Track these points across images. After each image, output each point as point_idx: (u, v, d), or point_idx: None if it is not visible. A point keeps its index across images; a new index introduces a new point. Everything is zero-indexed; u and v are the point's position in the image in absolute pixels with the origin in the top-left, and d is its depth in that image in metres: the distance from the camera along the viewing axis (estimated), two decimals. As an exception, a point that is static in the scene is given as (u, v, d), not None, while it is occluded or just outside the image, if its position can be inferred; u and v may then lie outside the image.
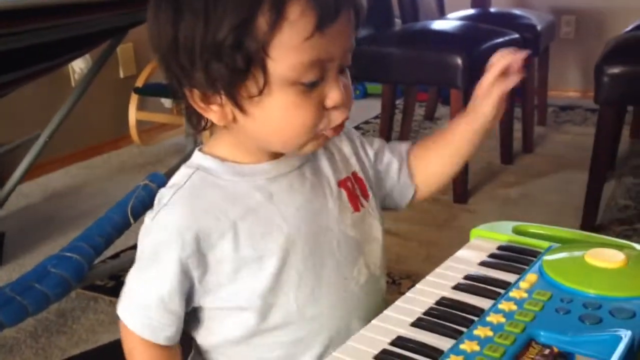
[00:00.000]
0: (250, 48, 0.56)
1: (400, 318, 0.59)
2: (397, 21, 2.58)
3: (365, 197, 0.72)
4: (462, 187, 2.04)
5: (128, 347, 0.69)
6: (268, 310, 0.66)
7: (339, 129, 0.64)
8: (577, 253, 0.64)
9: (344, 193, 0.71)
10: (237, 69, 0.57)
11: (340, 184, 0.71)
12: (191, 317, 0.70)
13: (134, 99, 2.81)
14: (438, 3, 2.82)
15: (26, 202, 2.29)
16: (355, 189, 0.72)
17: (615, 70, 1.67)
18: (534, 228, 0.75)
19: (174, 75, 0.62)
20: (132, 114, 2.82)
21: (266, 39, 0.56)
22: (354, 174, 0.73)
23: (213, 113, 0.62)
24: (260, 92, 0.59)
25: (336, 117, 0.63)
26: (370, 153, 0.77)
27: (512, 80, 0.76)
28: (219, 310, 0.68)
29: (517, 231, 0.75)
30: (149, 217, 0.66)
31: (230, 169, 0.66)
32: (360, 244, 0.71)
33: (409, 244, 1.78)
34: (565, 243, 0.70)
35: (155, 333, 0.66)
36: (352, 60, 0.63)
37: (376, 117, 2.90)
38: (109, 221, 1.43)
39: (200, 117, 0.65)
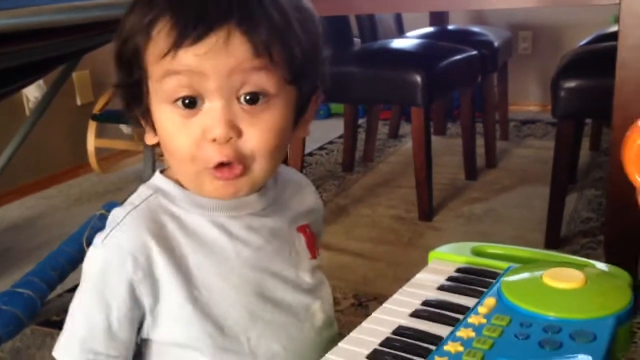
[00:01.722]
0: (134, 64, 0.59)
1: (355, 350, 0.56)
2: (356, 40, 2.58)
3: (317, 247, 0.72)
4: (426, 204, 2.04)
5: None
6: (219, 352, 0.62)
7: (227, 172, 0.59)
8: (535, 273, 0.62)
9: (303, 238, 0.70)
10: (130, 84, 0.60)
11: (299, 229, 0.70)
12: (136, 350, 0.65)
13: (92, 127, 2.75)
14: (397, 21, 2.84)
15: (-20, 235, 2.21)
16: (312, 237, 0.71)
17: (571, 84, 1.68)
18: (492, 248, 0.74)
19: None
20: (91, 142, 2.76)
21: (141, 56, 0.58)
22: (309, 226, 0.72)
23: (146, 132, 0.63)
24: (147, 107, 0.61)
25: (212, 154, 0.58)
26: (320, 216, 0.76)
27: None
28: (169, 346, 0.64)
29: (475, 252, 0.73)
30: (99, 238, 0.62)
31: (189, 198, 0.63)
32: (316, 288, 0.69)
33: (375, 264, 1.76)
34: (525, 263, 0.68)
35: None
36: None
37: (340, 137, 2.89)
38: (62, 254, 1.38)
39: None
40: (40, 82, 2.49)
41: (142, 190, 0.65)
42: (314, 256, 0.70)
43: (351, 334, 0.58)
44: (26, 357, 1.46)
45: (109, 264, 0.60)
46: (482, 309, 0.58)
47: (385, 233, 1.97)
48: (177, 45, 0.55)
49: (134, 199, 0.64)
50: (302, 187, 0.73)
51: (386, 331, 0.59)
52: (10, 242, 2.14)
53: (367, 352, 0.56)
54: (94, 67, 2.80)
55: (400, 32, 2.86)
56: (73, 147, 2.78)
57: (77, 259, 1.37)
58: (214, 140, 0.57)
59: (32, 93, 2.54)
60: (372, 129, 2.69)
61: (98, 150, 2.77)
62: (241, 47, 0.55)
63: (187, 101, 0.57)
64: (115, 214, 0.63)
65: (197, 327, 0.61)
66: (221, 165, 0.58)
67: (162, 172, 0.67)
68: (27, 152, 2.29)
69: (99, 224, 1.47)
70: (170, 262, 0.60)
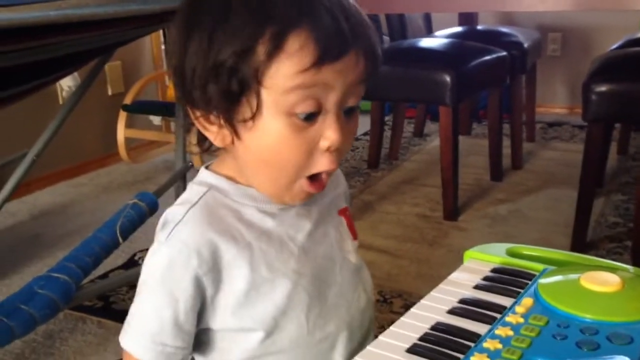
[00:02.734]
0: (245, 73, 0.57)
1: (395, 344, 0.58)
2: (385, 39, 2.59)
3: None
4: (451, 204, 2.05)
5: None
6: (277, 333, 0.66)
7: (318, 183, 0.63)
8: (572, 276, 0.63)
9: (344, 221, 0.73)
10: (231, 92, 0.58)
11: (340, 212, 0.73)
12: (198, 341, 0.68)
13: (122, 117, 2.80)
14: (426, 21, 2.85)
15: (13, 220, 2.27)
16: (352, 220, 0.74)
17: (603, 88, 1.68)
18: (527, 250, 0.75)
19: (180, 92, 0.63)
20: (121, 132, 2.81)
21: (262, 68, 0.57)
22: (347, 208, 0.75)
23: (212, 133, 0.63)
24: (253, 117, 0.59)
25: (324, 163, 0.61)
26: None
27: None
28: (224, 332, 0.67)
29: (510, 253, 0.74)
30: (162, 236, 0.64)
31: (241, 191, 0.66)
32: (359, 269, 0.73)
33: (399, 261, 1.78)
34: (560, 265, 0.69)
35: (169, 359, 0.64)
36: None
37: (365, 134, 2.91)
38: (97, 241, 1.42)
39: (203, 135, 0.66)
40: (75, 72, 2.54)
41: (196, 188, 0.67)
42: (355, 237, 0.73)
43: (391, 327, 0.60)
44: (59, 341, 1.51)
45: (174, 260, 0.62)
46: (519, 309, 0.60)
47: (409, 231, 1.98)
48: (322, 60, 0.56)
49: (191, 196, 0.66)
50: (335, 174, 0.75)
51: (424, 326, 0.60)
52: (41, 228, 2.19)
53: (406, 345, 0.58)
54: (125, 58, 2.85)
55: (429, 32, 2.86)
56: (103, 137, 2.83)
57: (111, 246, 1.41)
58: (328, 149, 0.60)
59: (66, 82, 2.59)
60: (398, 126, 2.70)
61: (128, 140, 2.82)
62: (361, 66, 0.60)
63: (308, 115, 0.59)
64: (174, 212, 0.65)
65: (261, 310, 0.64)
66: (314, 176, 0.62)
67: (207, 167, 0.69)
68: (58, 141, 2.33)
69: (132, 212, 1.50)
70: (236, 251, 0.63)
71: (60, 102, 2.61)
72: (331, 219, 0.71)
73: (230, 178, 0.67)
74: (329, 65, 0.57)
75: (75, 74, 2.54)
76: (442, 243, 1.89)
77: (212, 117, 0.62)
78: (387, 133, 2.75)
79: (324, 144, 0.60)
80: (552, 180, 2.39)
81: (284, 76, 0.57)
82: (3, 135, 2.38)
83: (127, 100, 2.79)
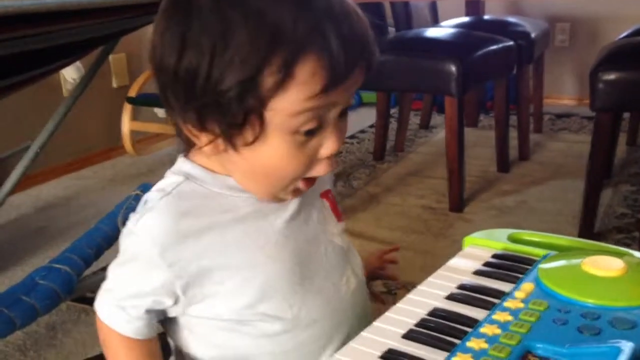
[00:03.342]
0: (250, 104, 0.55)
1: (390, 329, 0.57)
2: (391, 30, 2.57)
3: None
4: (457, 195, 2.02)
5: (102, 338, 0.68)
6: (261, 320, 0.64)
7: (312, 181, 0.64)
8: (574, 261, 0.62)
9: (327, 203, 0.72)
10: (234, 120, 0.56)
11: (322, 195, 0.72)
12: (175, 324, 0.68)
13: (127, 109, 2.79)
14: (432, 11, 2.82)
15: (17, 213, 2.26)
16: (334, 201, 0.73)
17: (611, 76, 1.65)
18: (529, 235, 0.73)
19: (166, 99, 0.60)
20: (126, 124, 2.80)
21: (269, 96, 0.55)
22: (330, 191, 0.74)
23: (204, 142, 0.60)
24: (255, 140, 0.58)
25: (321, 169, 0.61)
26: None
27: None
28: (209, 320, 0.66)
29: (512, 239, 0.73)
30: (132, 220, 0.64)
31: (220, 181, 0.64)
32: (346, 251, 0.71)
33: (404, 253, 1.76)
34: (562, 251, 0.67)
35: (124, 325, 0.65)
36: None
37: (371, 126, 2.88)
38: (98, 232, 1.41)
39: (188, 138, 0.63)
40: (78, 63, 2.54)
41: (172, 177, 0.65)
42: (340, 219, 0.72)
43: (386, 313, 0.59)
44: (61, 332, 1.50)
45: (141, 248, 0.62)
46: (519, 294, 0.58)
47: (415, 223, 1.96)
48: (332, 86, 0.55)
49: (165, 185, 0.64)
50: None
51: (422, 312, 0.59)
52: (45, 220, 2.19)
53: (402, 331, 0.56)
54: (130, 50, 2.84)
55: (435, 22, 2.83)
56: (108, 129, 2.83)
57: (112, 238, 1.40)
58: (329, 156, 0.60)
59: (70, 74, 2.59)
60: (403, 118, 2.67)
61: (132, 132, 2.81)
62: (362, 77, 0.59)
63: (311, 130, 0.58)
64: (148, 199, 0.64)
65: (241, 300, 0.63)
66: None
67: (184, 156, 0.67)
68: (63, 133, 2.33)
69: (134, 204, 1.49)
70: (208, 241, 0.62)
71: (64, 94, 2.61)
72: (314, 202, 0.70)
73: (209, 168, 0.65)
74: (337, 87, 0.56)
75: (80, 65, 2.53)
76: (448, 234, 1.87)
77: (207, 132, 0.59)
78: (393, 125, 2.73)
79: (324, 152, 0.60)
80: (559, 171, 2.37)
81: (292, 102, 0.55)
82: (7, 128, 2.38)
83: (132, 92, 2.78)
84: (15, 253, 1.91)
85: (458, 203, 2.03)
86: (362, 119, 3.17)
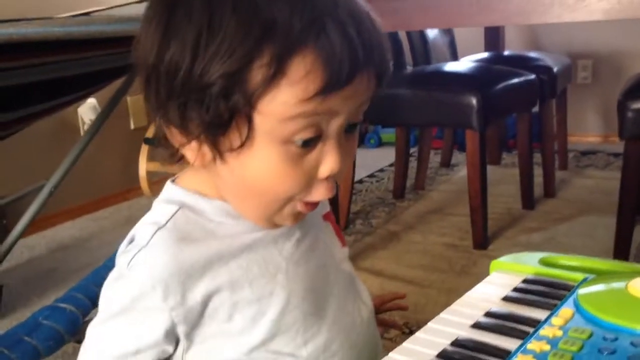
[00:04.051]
0: (236, 101, 0.48)
1: (408, 362, 0.49)
2: (409, 68, 2.53)
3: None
4: (481, 232, 1.94)
5: None
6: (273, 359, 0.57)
7: (314, 204, 0.56)
8: (618, 284, 0.54)
9: (330, 226, 0.65)
10: (218, 119, 0.49)
11: (325, 217, 0.65)
12: None
13: (144, 150, 2.77)
14: (450, 47, 2.78)
15: (30, 254, 2.23)
16: (337, 225, 0.66)
17: (639, 104, 1.58)
18: (564, 259, 0.66)
19: (148, 97, 0.53)
20: (143, 165, 2.78)
21: (257, 94, 0.48)
22: (331, 213, 0.67)
23: (189, 151, 0.53)
24: (242, 144, 0.50)
25: (322, 192, 0.53)
26: None
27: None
28: None
29: (544, 263, 0.65)
30: (121, 262, 0.56)
31: (220, 209, 0.57)
32: (353, 278, 0.64)
33: (427, 291, 1.67)
34: (601, 274, 0.60)
35: None
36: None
37: (390, 165, 2.83)
38: (107, 270, 1.35)
39: (174, 148, 0.56)
40: (96, 105, 2.54)
41: (165, 208, 0.57)
42: (343, 244, 0.65)
43: (404, 343, 0.52)
44: (66, 376, 1.43)
45: (137, 292, 0.53)
46: (556, 321, 0.51)
47: (437, 260, 1.88)
48: (329, 89, 0.48)
49: (157, 217, 0.57)
50: None
51: (444, 342, 0.52)
52: (57, 262, 2.15)
53: (422, 363, 0.49)
54: (147, 91, 2.84)
55: (454, 58, 2.80)
56: (125, 170, 2.81)
57: (120, 275, 1.35)
58: (327, 177, 0.53)
59: (88, 116, 2.58)
60: (423, 156, 2.61)
61: (149, 173, 2.78)
62: (371, 87, 0.52)
63: (306, 141, 0.51)
64: (140, 232, 0.56)
65: (251, 338, 0.56)
66: None
67: (172, 182, 0.60)
68: (80, 174, 2.31)
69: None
70: (212, 276, 0.54)
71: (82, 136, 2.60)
72: (318, 224, 0.62)
73: (205, 194, 0.57)
74: (337, 92, 0.49)
75: (97, 107, 2.53)
76: (472, 272, 1.78)
77: (190, 133, 0.52)
78: (413, 165, 2.67)
79: (323, 171, 0.52)
80: (588, 208, 2.27)
81: (283, 104, 0.48)
82: (24, 169, 2.36)
83: (150, 133, 2.77)
84: (24, 295, 1.87)
85: (482, 240, 1.94)
86: (382, 158, 3.12)
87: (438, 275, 1.77)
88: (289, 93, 0.48)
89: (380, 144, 3.48)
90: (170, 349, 0.55)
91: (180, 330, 0.54)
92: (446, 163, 2.98)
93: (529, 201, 2.29)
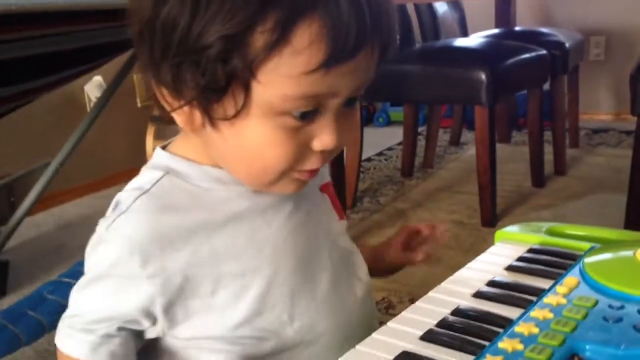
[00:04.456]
0: (235, 66, 0.46)
1: (406, 331, 0.48)
2: (418, 45, 2.50)
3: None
4: (489, 209, 1.92)
5: None
6: (261, 338, 0.55)
7: (313, 173, 0.54)
8: (626, 252, 0.52)
9: (327, 198, 0.62)
10: (214, 84, 0.47)
11: (322, 188, 0.62)
12: (154, 347, 0.57)
13: (151, 128, 2.76)
14: (460, 23, 2.74)
15: (38, 232, 2.23)
16: (335, 196, 0.63)
17: (653, 78, 1.54)
18: (571, 229, 0.64)
19: (140, 55, 0.51)
20: (150, 143, 2.77)
21: (258, 60, 0.45)
22: (331, 184, 0.64)
23: (179, 114, 0.51)
24: (237, 114, 0.48)
25: (315, 161, 0.52)
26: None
27: (414, 258, 0.72)
28: (190, 341, 0.56)
29: (551, 232, 0.63)
30: (101, 226, 0.54)
31: (207, 174, 0.55)
32: (350, 253, 0.62)
33: (434, 268, 1.65)
34: (609, 243, 0.58)
35: (96, 350, 0.53)
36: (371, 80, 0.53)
37: (399, 144, 2.80)
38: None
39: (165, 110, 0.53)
40: (102, 82, 2.53)
41: (150, 173, 0.56)
42: (341, 217, 0.62)
43: (402, 313, 0.50)
44: (72, 351, 1.43)
45: (115, 258, 0.52)
46: (561, 289, 0.49)
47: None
48: (334, 61, 0.46)
49: (142, 183, 0.55)
50: None
51: (444, 311, 0.50)
52: (64, 239, 2.15)
53: (420, 332, 0.47)
54: (154, 69, 2.82)
55: (464, 34, 2.75)
56: (132, 149, 2.80)
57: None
58: (322, 152, 0.51)
59: (94, 93, 2.57)
60: (432, 134, 2.58)
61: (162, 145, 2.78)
62: (375, 61, 0.49)
63: (304, 114, 0.49)
64: (122, 197, 0.54)
65: (235, 314, 0.54)
66: None
67: (163, 148, 0.58)
68: (87, 153, 2.30)
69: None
70: (195, 246, 0.52)
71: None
72: (313, 197, 0.60)
73: (194, 160, 0.55)
74: (341, 65, 0.46)
75: (103, 83, 2.52)
76: (480, 250, 1.73)
77: (182, 97, 0.50)
78: (422, 143, 2.64)
79: (317, 145, 0.50)
80: (599, 185, 2.24)
81: (284, 76, 0.46)
82: (31, 147, 2.36)
83: (156, 111, 2.76)
84: (32, 271, 1.87)
85: (490, 217, 1.92)
86: (390, 136, 3.09)
87: (445, 252, 1.75)
88: (292, 63, 0.45)
89: (389, 122, 3.45)
90: (145, 323, 0.54)
91: (159, 304, 0.52)
92: (455, 142, 2.94)
93: (539, 179, 2.26)
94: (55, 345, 0.56)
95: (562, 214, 1.98)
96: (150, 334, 0.55)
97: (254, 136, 0.49)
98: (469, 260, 1.82)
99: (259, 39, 0.45)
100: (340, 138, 0.50)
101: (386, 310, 1.40)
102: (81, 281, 0.55)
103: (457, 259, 1.71)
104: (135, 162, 3.15)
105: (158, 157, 0.57)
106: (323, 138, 0.50)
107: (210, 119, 0.50)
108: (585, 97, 2.96)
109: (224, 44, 0.45)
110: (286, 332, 0.55)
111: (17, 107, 1.44)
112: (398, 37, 0.52)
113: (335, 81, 0.47)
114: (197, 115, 0.50)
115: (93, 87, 2.56)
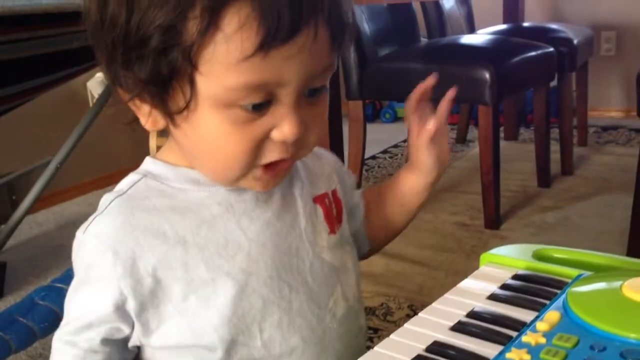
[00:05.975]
0: (174, 56, 0.46)
1: (376, 368, 0.45)
2: (424, 40, 2.46)
3: (340, 221, 0.62)
4: (493, 211, 1.88)
5: None
6: (227, 348, 0.54)
7: (276, 172, 0.53)
8: (613, 284, 0.49)
9: (320, 210, 0.60)
10: (159, 76, 0.47)
11: (317, 199, 0.60)
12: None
13: (154, 125, 2.75)
14: (467, 19, 2.69)
15: (39, 230, 2.23)
16: (332, 209, 0.61)
17: (661, 79, 1.50)
18: (559, 252, 0.61)
19: (100, 62, 0.51)
20: (153, 141, 2.74)
21: (194, 49, 0.46)
22: (334, 192, 0.63)
23: (142, 115, 0.53)
24: (186, 107, 0.48)
25: (276, 153, 0.51)
26: (349, 180, 0.67)
27: (434, 124, 0.69)
28: (167, 349, 0.55)
29: (538, 256, 0.60)
30: (80, 229, 0.56)
31: (182, 175, 0.55)
32: (337, 270, 0.60)
33: (434, 273, 1.63)
34: (600, 270, 0.55)
35: None
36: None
37: (405, 141, 2.76)
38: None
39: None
40: (104, 80, 2.51)
41: (131, 177, 0.57)
42: (332, 231, 0.60)
43: (375, 348, 0.48)
44: (66, 355, 1.42)
45: (90, 259, 0.53)
46: (541, 326, 0.46)
47: (447, 240, 1.83)
48: (268, 44, 0.45)
49: (122, 186, 0.56)
50: (316, 153, 0.64)
51: (418, 346, 0.47)
52: (64, 238, 2.14)
53: (391, 371, 0.45)
54: (156, 66, 2.80)
55: (471, 31, 2.71)
56: (135, 146, 2.79)
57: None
58: (283, 142, 0.50)
59: (97, 90, 2.56)
60: (438, 131, 2.54)
61: (159, 149, 2.76)
62: (324, 45, 0.48)
63: (256, 105, 0.48)
64: (103, 199, 0.56)
65: (203, 320, 0.53)
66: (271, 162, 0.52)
67: (151, 156, 0.60)
68: (89, 150, 2.30)
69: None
70: (166, 248, 0.52)
71: (91, 110, 2.58)
72: (303, 207, 0.58)
73: (173, 163, 0.56)
74: (278, 49, 0.45)
75: (105, 80, 2.50)
76: (481, 253, 1.73)
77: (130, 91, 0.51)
78: (428, 139, 2.60)
79: (276, 135, 0.49)
80: (605, 186, 2.20)
81: (222, 64, 0.46)
82: (33, 145, 2.35)
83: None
84: (31, 271, 1.86)
85: (494, 219, 1.88)
86: (397, 133, 3.06)
87: (447, 256, 1.72)
88: (226, 49, 0.45)
89: (395, 118, 3.42)
90: (125, 328, 0.54)
91: (131, 307, 0.52)
92: (462, 139, 2.91)
93: (544, 179, 2.22)
94: (49, 349, 0.56)
95: (566, 217, 1.94)
96: (134, 341, 0.55)
97: (208, 129, 0.49)
98: (469, 265, 1.79)
99: (192, 26, 0.45)
100: (302, 128, 0.49)
101: (384, 317, 1.37)
102: (70, 288, 0.56)
103: (458, 262, 1.69)
104: (138, 159, 3.13)
105: (144, 162, 0.59)
106: (282, 128, 0.49)
107: (167, 115, 0.50)
108: (595, 92, 2.91)
109: (161, 35, 0.45)
110: (255, 343, 0.54)
111: (15, 107, 1.43)
112: (351, 16, 0.50)
113: (278, 68, 0.46)
114: (158, 114, 0.51)
115: (96, 84, 2.54)
